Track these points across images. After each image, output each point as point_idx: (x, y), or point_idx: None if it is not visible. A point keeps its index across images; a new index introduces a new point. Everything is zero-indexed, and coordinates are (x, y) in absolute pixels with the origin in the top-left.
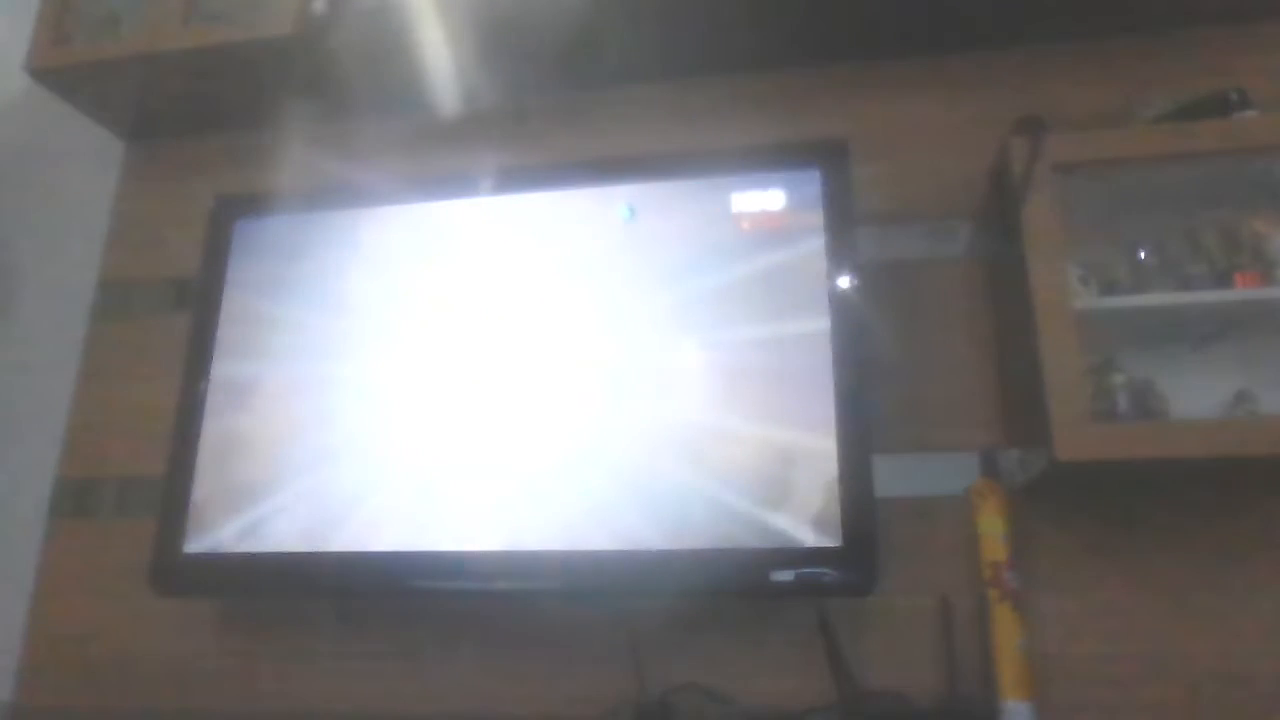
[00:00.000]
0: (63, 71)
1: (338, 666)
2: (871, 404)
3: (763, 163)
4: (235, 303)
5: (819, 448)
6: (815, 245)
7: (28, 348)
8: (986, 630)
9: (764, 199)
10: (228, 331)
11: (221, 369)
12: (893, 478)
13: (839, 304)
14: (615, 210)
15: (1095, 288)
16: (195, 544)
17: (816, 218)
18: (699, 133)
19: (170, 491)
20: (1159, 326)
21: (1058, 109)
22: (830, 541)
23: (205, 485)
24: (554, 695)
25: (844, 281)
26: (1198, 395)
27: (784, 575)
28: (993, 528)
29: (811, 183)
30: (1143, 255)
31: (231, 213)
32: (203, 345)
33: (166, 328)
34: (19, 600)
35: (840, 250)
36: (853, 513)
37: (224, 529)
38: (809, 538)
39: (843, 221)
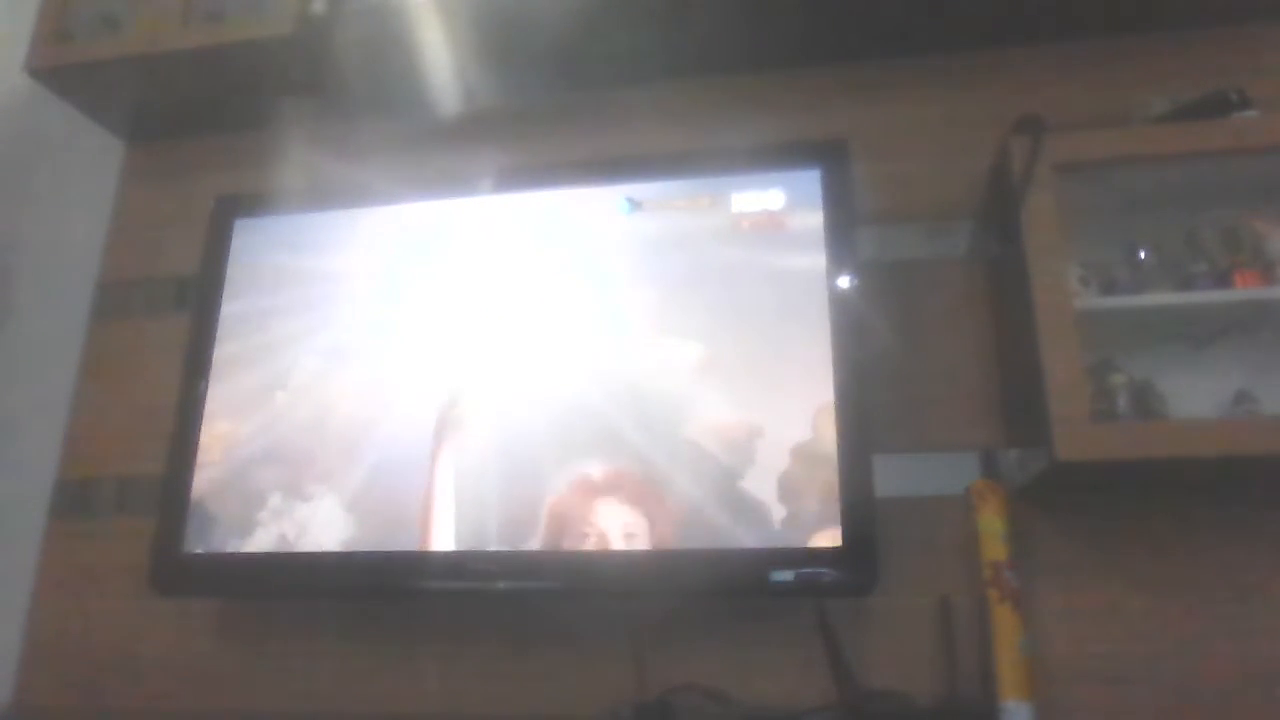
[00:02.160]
0: (63, 71)
1: (338, 666)
2: (871, 404)
3: (763, 163)
4: (235, 302)
5: (818, 447)
6: (815, 245)
7: (28, 348)
8: (986, 630)
9: (764, 199)
10: (227, 331)
11: (221, 369)
12: (893, 478)
13: (839, 304)
14: (614, 205)
15: (1095, 288)
16: (195, 544)
17: (816, 218)
18: (699, 133)
19: (170, 491)
20: (1159, 326)
21: (1058, 109)
22: (830, 541)
23: (204, 485)
24: (554, 695)
25: (844, 281)
26: (1198, 395)
27: (784, 575)
28: (993, 528)
29: (811, 183)
30: (1143, 255)
31: (231, 212)
32: (203, 345)
33: (166, 328)
34: (19, 600)
35: (840, 250)
36: (853, 513)
37: (223, 528)
38: (819, 541)
39: (843, 221)
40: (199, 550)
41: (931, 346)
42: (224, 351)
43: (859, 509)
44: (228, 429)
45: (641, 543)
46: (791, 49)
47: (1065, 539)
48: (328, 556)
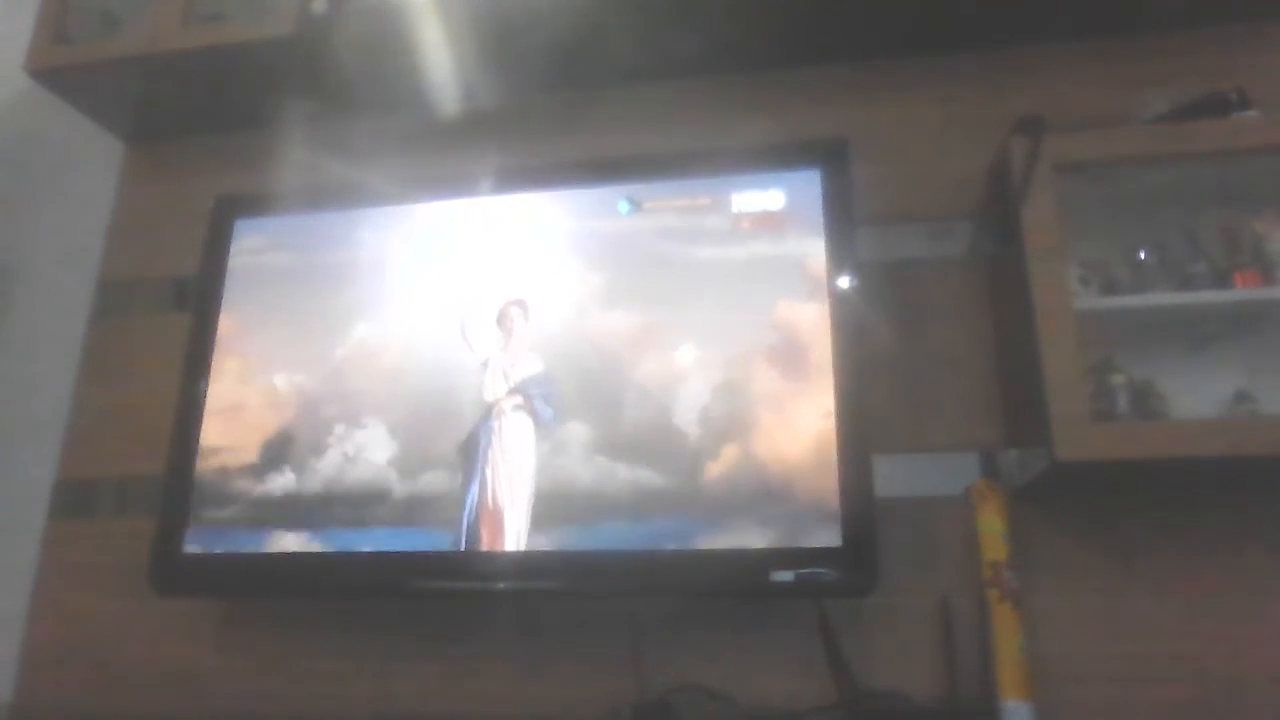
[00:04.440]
0: (63, 71)
1: (338, 667)
2: (871, 404)
3: (763, 163)
4: (235, 302)
5: (818, 447)
6: (815, 245)
7: (28, 348)
8: (986, 630)
9: (764, 199)
10: (227, 331)
11: (221, 369)
12: (893, 478)
13: (839, 304)
14: (614, 205)
15: (1095, 288)
16: (280, 464)
17: (816, 218)
18: (699, 133)
19: (170, 491)
20: (1159, 326)
21: (1058, 109)
22: (830, 541)
23: (287, 419)
24: (554, 695)
25: (844, 281)
26: (1198, 395)
27: (784, 575)
28: (993, 528)
29: (811, 183)
30: (1143, 255)
31: (231, 212)
32: (202, 345)
33: (166, 328)
34: (19, 600)
35: (840, 250)
36: (853, 513)
37: (301, 448)
38: (727, 452)
39: (843, 221)
40: (286, 468)
41: (932, 347)
42: (286, 332)
43: (859, 509)
44: (303, 380)
45: (521, 320)
46: (791, 49)
47: (1065, 539)
48: (327, 557)
